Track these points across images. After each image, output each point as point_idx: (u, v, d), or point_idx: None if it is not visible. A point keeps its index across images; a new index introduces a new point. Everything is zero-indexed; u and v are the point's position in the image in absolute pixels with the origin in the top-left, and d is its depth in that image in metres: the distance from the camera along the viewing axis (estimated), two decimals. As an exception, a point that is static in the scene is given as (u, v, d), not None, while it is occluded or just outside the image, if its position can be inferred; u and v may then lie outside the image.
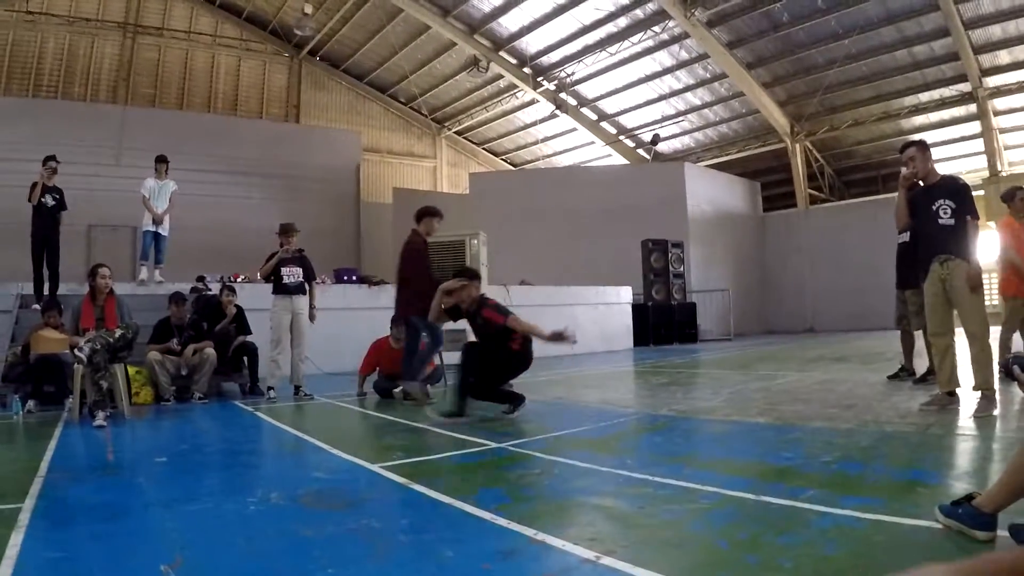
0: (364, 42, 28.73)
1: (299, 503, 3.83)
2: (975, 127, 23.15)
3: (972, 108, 22.45)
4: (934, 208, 6.05)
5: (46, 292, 10.45)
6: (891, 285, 8.61)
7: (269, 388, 9.23)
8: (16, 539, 3.19)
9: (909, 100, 23.82)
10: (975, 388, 5.84)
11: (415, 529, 3.29)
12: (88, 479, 4.72)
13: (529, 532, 3.10)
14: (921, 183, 6.31)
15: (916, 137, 24.06)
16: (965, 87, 22.01)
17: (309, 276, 9.72)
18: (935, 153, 6.47)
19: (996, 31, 20.19)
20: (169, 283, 11.78)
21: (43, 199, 10.52)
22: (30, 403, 7.93)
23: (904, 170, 6.37)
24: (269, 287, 9.78)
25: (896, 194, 6.79)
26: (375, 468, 4.60)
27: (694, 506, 3.49)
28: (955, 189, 6.09)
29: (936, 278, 6.06)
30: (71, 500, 4.04)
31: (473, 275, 7.39)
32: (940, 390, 6.20)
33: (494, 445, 5.29)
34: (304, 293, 9.59)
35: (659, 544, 3.00)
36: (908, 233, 7.73)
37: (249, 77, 29.08)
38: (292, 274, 9.47)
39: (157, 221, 12.42)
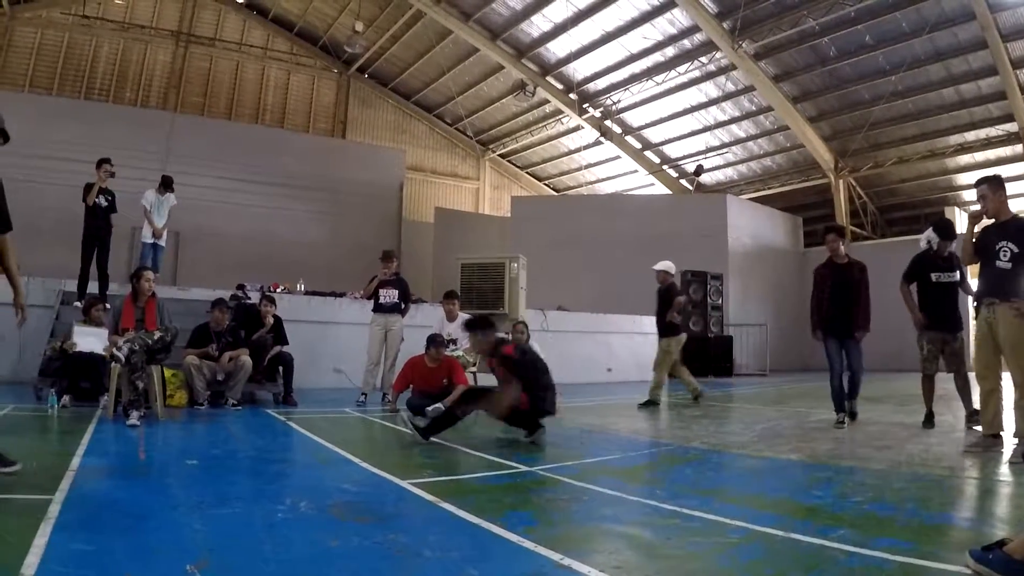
0: (413, 62, 29.03)
1: (327, 513, 3.84)
2: (1021, 168, 22.79)
3: (1019, 148, 22.08)
4: (996, 248, 5.88)
5: (91, 291, 10.59)
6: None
7: (363, 394, 10.03)
8: (45, 530, 3.22)
9: (955, 139, 23.54)
10: (1015, 435, 5.72)
11: (441, 547, 3.27)
12: (119, 476, 4.78)
13: (555, 556, 3.08)
14: (993, 220, 6.08)
15: (968, 180, 23.84)
16: (1012, 127, 21.60)
17: (405, 297, 10.55)
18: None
19: (1045, 71, 19.91)
20: (209, 290, 11.88)
21: (97, 200, 10.68)
22: (65, 398, 8.02)
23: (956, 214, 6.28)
24: (307, 300, 11.51)
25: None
26: (404, 484, 4.58)
27: (722, 540, 3.44)
28: (1021, 230, 5.87)
29: (983, 321, 5.97)
30: (101, 495, 4.08)
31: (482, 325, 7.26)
32: (984, 432, 6.11)
33: (525, 469, 5.27)
34: (399, 312, 10.40)
35: (685, 576, 2.96)
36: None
37: (298, 91, 29.48)
38: (388, 295, 10.37)
39: (156, 235, 12.55)
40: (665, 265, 11.24)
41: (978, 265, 6.24)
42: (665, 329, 11.12)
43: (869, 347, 8.51)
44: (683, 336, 11.32)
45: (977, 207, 6.25)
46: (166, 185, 12.66)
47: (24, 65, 23.75)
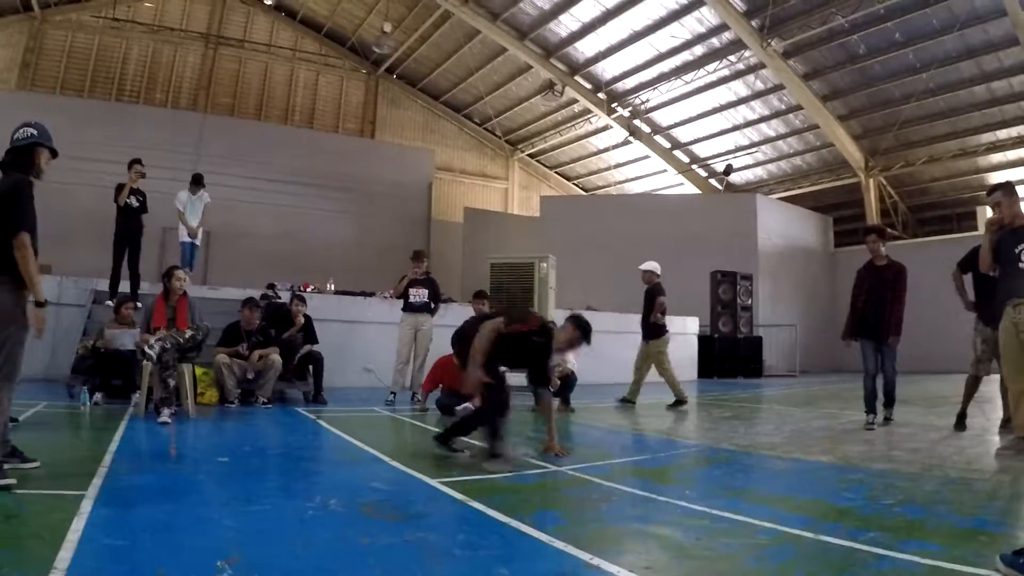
0: (441, 62, 29.05)
1: (357, 511, 3.86)
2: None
3: (1051, 147, 21.78)
4: (1015, 251, 5.88)
5: (123, 290, 10.69)
6: (962, 327, 8.29)
7: (392, 393, 10.04)
8: (78, 524, 3.26)
9: (986, 137, 23.15)
10: None
11: (471, 545, 3.27)
12: (150, 472, 4.81)
13: (584, 556, 3.08)
14: (1008, 226, 6.08)
15: (999, 178, 23.59)
16: (1045, 124, 21.30)
17: (435, 297, 10.59)
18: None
19: (1078, 68, 19.58)
20: (240, 289, 11.96)
21: (128, 200, 10.76)
22: (97, 395, 8.13)
23: (990, 214, 6.20)
24: (337, 299, 11.77)
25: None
26: (434, 483, 4.59)
27: (751, 541, 3.43)
28: None
29: (1009, 322, 5.88)
30: (133, 491, 4.12)
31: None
32: (1017, 434, 6.03)
33: (554, 468, 5.27)
34: (429, 312, 10.45)
35: (714, 576, 2.95)
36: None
37: (326, 91, 29.60)
38: (418, 294, 10.43)
39: (191, 234, 12.68)
40: (650, 265, 11.25)
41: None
42: (649, 331, 11.12)
43: (904, 348, 8.36)
44: (667, 336, 11.26)
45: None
46: (196, 182, 12.76)
47: (56, 68, 24.06)
